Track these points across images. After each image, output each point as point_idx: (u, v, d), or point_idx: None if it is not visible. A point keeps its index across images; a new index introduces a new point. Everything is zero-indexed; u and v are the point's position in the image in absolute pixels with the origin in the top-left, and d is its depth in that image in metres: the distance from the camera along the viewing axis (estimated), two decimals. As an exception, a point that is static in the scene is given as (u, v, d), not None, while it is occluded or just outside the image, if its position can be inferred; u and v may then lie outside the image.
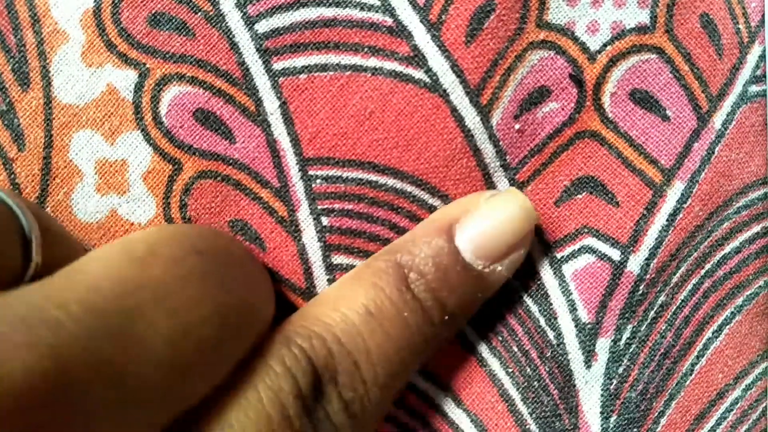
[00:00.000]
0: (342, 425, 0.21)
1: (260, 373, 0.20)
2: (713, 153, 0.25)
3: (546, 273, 0.25)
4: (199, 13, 0.24)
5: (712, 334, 0.25)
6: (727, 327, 0.25)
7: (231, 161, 0.24)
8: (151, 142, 0.24)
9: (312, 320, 0.22)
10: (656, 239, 0.25)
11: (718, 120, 0.25)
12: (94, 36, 0.23)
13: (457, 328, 0.24)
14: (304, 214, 0.24)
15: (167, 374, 0.18)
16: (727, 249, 0.25)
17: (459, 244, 0.23)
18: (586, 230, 0.25)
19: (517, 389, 0.25)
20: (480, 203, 0.23)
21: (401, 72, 0.24)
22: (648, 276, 0.25)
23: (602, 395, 0.25)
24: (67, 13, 0.23)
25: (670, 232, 0.25)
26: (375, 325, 0.22)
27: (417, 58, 0.24)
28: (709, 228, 0.25)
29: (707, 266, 0.25)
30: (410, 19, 0.24)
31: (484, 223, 0.23)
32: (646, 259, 0.25)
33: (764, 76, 0.24)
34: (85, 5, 0.23)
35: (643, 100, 0.25)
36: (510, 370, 0.25)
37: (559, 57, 0.24)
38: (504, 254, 0.23)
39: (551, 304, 0.25)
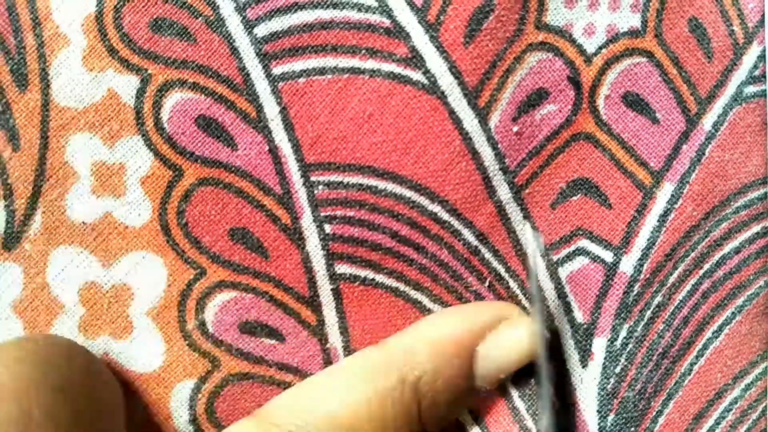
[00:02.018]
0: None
1: None
2: (704, 154, 0.26)
3: (542, 277, 0.26)
4: (200, 18, 0.24)
5: (712, 334, 0.26)
6: (727, 327, 0.26)
7: (233, 168, 0.24)
8: (152, 147, 0.24)
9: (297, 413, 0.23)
10: (648, 240, 0.26)
11: (707, 122, 0.26)
12: (96, 41, 0.24)
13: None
14: (307, 222, 0.25)
15: None
16: (727, 249, 0.26)
17: (476, 369, 0.24)
18: (580, 232, 0.26)
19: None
20: (506, 331, 0.25)
21: (399, 73, 0.25)
22: (642, 276, 0.26)
23: (599, 394, 0.25)
24: (68, 18, 0.24)
25: (662, 232, 0.26)
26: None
27: (415, 59, 0.25)
28: (707, 228, 0.26)
29: (706, 266, 0.26)
30: (408, 20, 0.25)
31: (504, 357, 0.24)
32: (639, 259, 0.26)
33: (763, 77, 0.25)
34: (88, 10, 0.24)
35: (635, 102, 0.26)
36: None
37: (557, 59, 0.25)
38: (501, 374, 0.25)
39: (548, 307, 0.26)
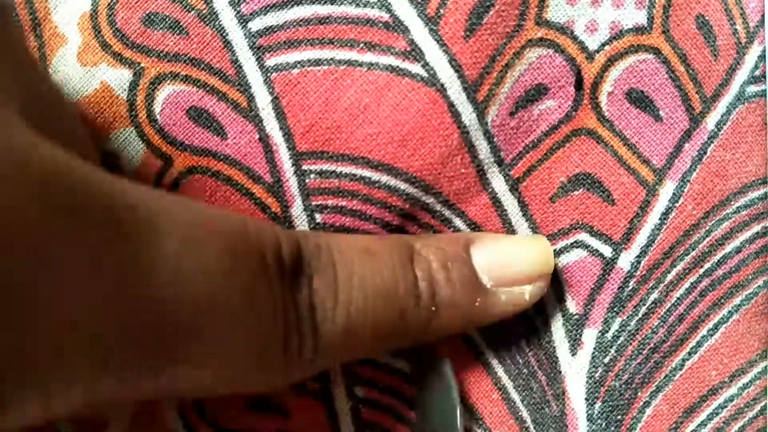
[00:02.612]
0: (304, 319, 0.21)
1: (254, 221, 0.21)
2: (705, 153, 0.26)
3: None
4: (193, 12, 0.24)
5: (707, 332, 0.26)
6: (724, 326, 0.26)
7: (222, 157, 0.25)
8: (145, 138, 0.25)
9: (315, 236, 0.23)
10: (648, 237, 0.26)
11: (711, 121, 0.26)
12: (90, 37, 0.24)
13: (436, 335, 0.24)
14: (297, 211, 0.25)
15: None
16: (728, 248, 0.26)
17: (473, 256, 0.24)
18: (579, 226, 0.26)
19: (510, 377, 0.26)
20: (504, 236, 0.25)
21: (398, 66, 0.25)
22: (638, 273, 0.26)
23: (587, 382, 0.26)
24: (66, 17, 0.24)
25: (662, 230, 0.26)
26: (367, 263, 0.22)
27: (414, 53, 0.25)
28: (707, 227, 0.26)
29: (706, 265, 0.26)
30: (407, 14, 0.25)
31: (505, 248, 0.25)
32: (637, 256, 0.26)
33: (763, 77, 0.25)
34: (83, 8, 0.24)
35: (639, 99, 0.26)
36: (502, 359, 0.26)
37: (557, 55, 0.25)
38: (511, 282, 0.24)
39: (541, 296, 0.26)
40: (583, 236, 0.26)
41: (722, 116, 0.26)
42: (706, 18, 0.26)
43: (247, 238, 0.20)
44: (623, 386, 0.26)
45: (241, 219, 0.21)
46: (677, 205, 0.26)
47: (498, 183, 0.26)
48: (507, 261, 0.24)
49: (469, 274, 0.24)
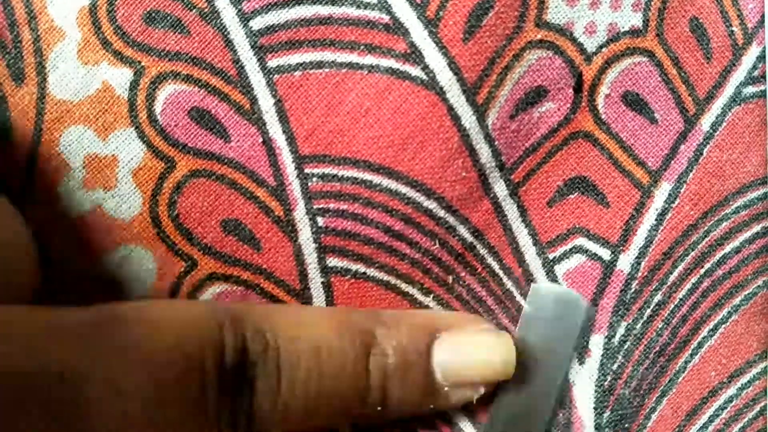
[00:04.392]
0: (239, 424, 0.22)
1: (199, 320, 0.21)
2: (701, 154, 0.26)
3: (539, 274, 0.26)
4: (194, 10, 0.24)
5: (708, 332, 0.27)
6: (723, 326, 0.26)
7: (226, 160, 0.25)
8: (145, 139, 0.24)
9: (269, 322, 0.23)
10: (646, 238, 0.26)
11: (705, 122, 0.27)
12: (90, 34, 0.24)
13: (386, 419, 0.25)
14: (300, 214, 0.25)
15: None
16: (727, 248, 0.26)
17: (434, 353, 0.24)
18: (577, 230, 0.26)
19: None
20: (474, 330, 0.25)
21: (398, 69, 0.25)
22: (640, 274, 0.26)
23: (596, 391, 0.26)
24: (63, 11, 0.24)
25: (659, 231, 0.26)
26: (315, 365, 0.22)
27: (414, 55, 0.25)
28: (706, 227, 0.26)
29: (707, 265, 0.26)
30: (407, 16, 0.25)
31: (467, 349, 0.24)
32: (637, 257, 0.26)
33: (762, 77, 0.25)
34: (81, 3, 0.24)
35: (634, 102, 0.26)
36: None
37: (557, 57, 0.25)
38: (466, 385, 0.24)
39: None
40: (582, 240, 0.26)
41: (717, 117, 0.26)
42: (700, 21, 0.26)
43: (184, 359, 0.20)
44: (632, 393, 0.26)
45: (183, 330, 0.21)
46: (674, 205, 0.26)
47: (499, 188, 0.26)
48: (467, 364, 0.24)
49: (425, 378, 0.24)
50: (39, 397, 0.18)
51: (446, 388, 0.24)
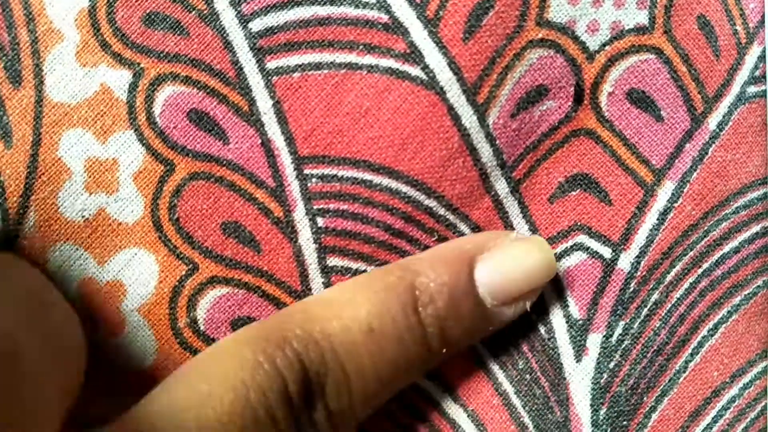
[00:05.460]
0: (323, 429, 0.22)
1: (248, 369, 0.21)
2: (706, 154, 0.26)
3: None
4: (193, 12, 0.25)
5: (708, 332, 0.27)
6: (723, 326, 0.27)
7: (225, 162, 0.25)
8: (144, 142, 0.25)
9: (311, 323, 0.22)
10: (647, 237, 0.26)
11: (713, 121, 0.26)
12: (89, 36, 0.24)
13: (455, 353, 0.25)
14: (300, 215, 0.25)
15: None
16: (726, 249, 0.27)
17: (477, 279, 0.24)
18: (578, 228, 0.26)
19: (511, 383, 0.26)
20: (506, 243, 0.24)
21: (397, 69, 0.25)
22: (639, 273, 0.26)
23: (592, 388, 0.26)
24: (62, 13, 0.24)
25: (661, 230, 0.26)
26: (374, 344, 0.22)
27: (414, 55, 0.25)
28: (705, 227, 0.26)
29: (705, 265, 0.26)
30: (407, 16, 0.25)
31: (507, 264, 0.24)
32: (637, 257, 0.26)
33: (763, 77, 0.25)
34: (80, 4, 0.24)
35: (640, 100, 0.26)
36: (503, 364, 0.26)
37: (558, 56, 0.25)
38: (517, 299, 0.24)
39: (543, 301, 0.26)
40: (583, 238, 0.26)
41: (724, 116, 0.26)
42: (708, 18, 0.26)
43: (247, 410, 0.20)
44: (629, 391, 0.26)
45: (240, 390, 0.21)
46: (676, 205, 0.26)
47: (500, 186, 0.26)
48: (512, 278, 0.24)
49: (477, 307, 0.24)
50: None
51: (499, 308, 0.24)
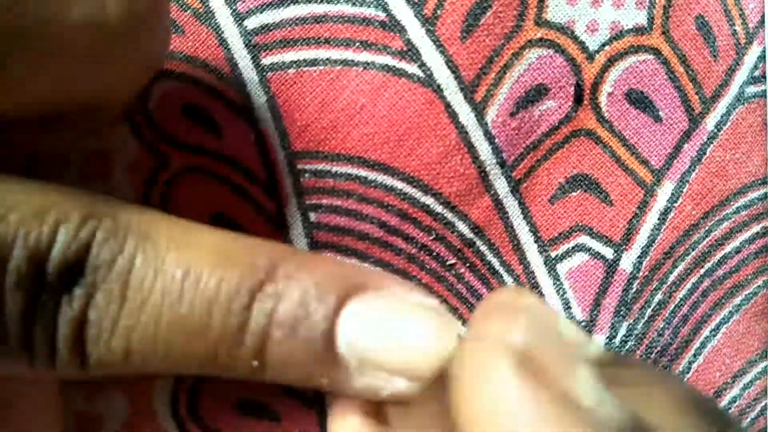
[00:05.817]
0: (64, 338, 0.17)
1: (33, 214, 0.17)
2: (705, 154, 0.27)
3: (540, 272, 0.26)
4: (189, 11, 0.25)
5: (710, 332, 0.27)
6: (725, 326, 0.27)
7: (218, 156, 0.25)
8: (139, 134, 0.25)
9: (143, 227, 0.18)
10: (648, 237, 0.26)
11: (710, 121, 0.26)
12: None
13: (263, 381, 0.19)
14: (292, 209, 0.25)
15: None
16: (728, 248, 0.27)
17: (346, 314, 0.18)
18: (579, 228, 0.27)
19: None
20: (401, 298, 0.19)
21: (394, 66, 0.25)
22: (641, 274, 0.26)
23: None
24: None
25: (662, 230, 0.26)
26: (176, 290, 0.18)
27: (411, 53, 0.25)
28: (707, 227, 0.26)
29: (707, 265, 0.27)
30: (404, 14, 0.25)
31: (386, 324, 0.18)
32: (639, 257, 0.26)
33: (763, 77, 0.25)
34: None
35: (638, 100, 0.26)
36: None
37: (557, 55, 0.25)
38: (376, 373, 0.18)
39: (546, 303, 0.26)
40: (584, 239, 0.26)
41: (722, 117, 0.26)
42: (706, 19, 0.26)
43: None
44: None
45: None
46: (676, 205, 0.26)
47: (500, 185, 0.26)
48: (380, 343, 0.18)
49: (323, 343, 0.18)
50: None
51: (350, 366, 0.18)
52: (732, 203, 0.26)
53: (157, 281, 0.17)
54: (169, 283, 0.18)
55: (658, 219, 0.26)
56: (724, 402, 0.26)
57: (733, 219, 0.26)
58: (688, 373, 0.26)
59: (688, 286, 0.26)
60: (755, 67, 0.26)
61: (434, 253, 0.26)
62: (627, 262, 0.26)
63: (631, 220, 0.26)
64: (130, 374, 0.19)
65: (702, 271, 0.26)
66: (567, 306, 0.26)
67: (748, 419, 0.26)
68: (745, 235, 0.26)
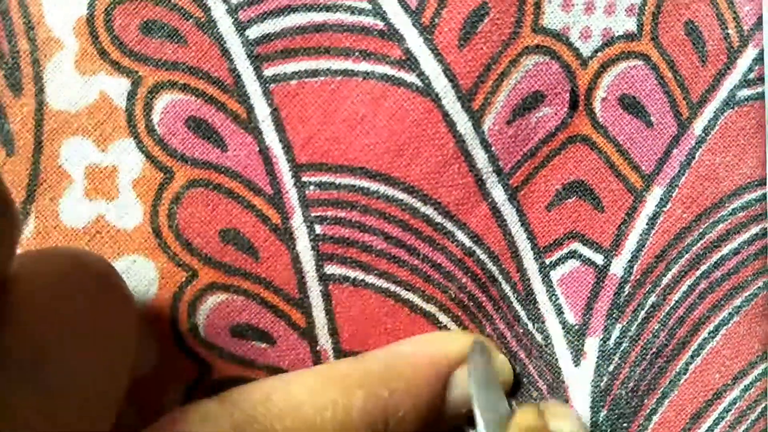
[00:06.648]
0: None
1: None
2: (694, 158, 0.27)
3: (535, 279, 0.27)
4: (191, 20, 0.25)
5: (708, 334, 0.27)
6: (725, 328, 0.27)
7: (223, 169, 0.25)
8: (144, 149, 0.25)
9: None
10: (638, 242, 0.27)
11: (698, 126, 0.27)
12: (87, 44, 0.25)
13: None
14: (297, 222, 0.25)
15: None
16: (725, 250, 0.27)
17: (449, 395, 0.24)
18: (573, 235, 0.27)
19: None
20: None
21: (393, 75, 0.25)
22: (632, 277, 0.27)
23: (592, 391, 0.26)
24: (60, 21, 0.25)
25: (651, 234, 0.27)
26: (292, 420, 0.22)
27: (409, 62, 0.25)
28: (700, 230, 0.27)
29: (703, 267, 0.27)
30: (402, 23, 0.26)
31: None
32: (629, 261, 0.27)
33: (758, 80, 0.25)
34: (78, 13, 0.25)
35: (631, 105, 0.27)
36: None
37: (554, 62, 0.26)
38: None
39: (539, 309, 0.27)
40: (576, 245, 0.26)
41: (709, 121, 0.27)
42: (696, 24, 0.27)
43: None
44: (629, 394, 0.26)
45: None
46: (665, 209, 0.26)
47: (497, 193, 0.26)
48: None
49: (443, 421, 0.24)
50: None
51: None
52: (727, 205, 0.27)
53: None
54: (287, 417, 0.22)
55: (647, 224, 0.26)
56: (723, 404, 0.26)
57: (729, 221, 0.27)
58: (685, 374, 0.26)
59: (684, 288, 0.26)
60: (750, 69, 0.27)
61: (437, 264, 0.26)
62: (617, 267, 0.26)
63: (620, 226, 0.26)
64: None
65: (698, 273, 0.26)
66: (560, 311, 0.26)
67: (749, 421, 0.26)
68: (744, 236, 0.27)
